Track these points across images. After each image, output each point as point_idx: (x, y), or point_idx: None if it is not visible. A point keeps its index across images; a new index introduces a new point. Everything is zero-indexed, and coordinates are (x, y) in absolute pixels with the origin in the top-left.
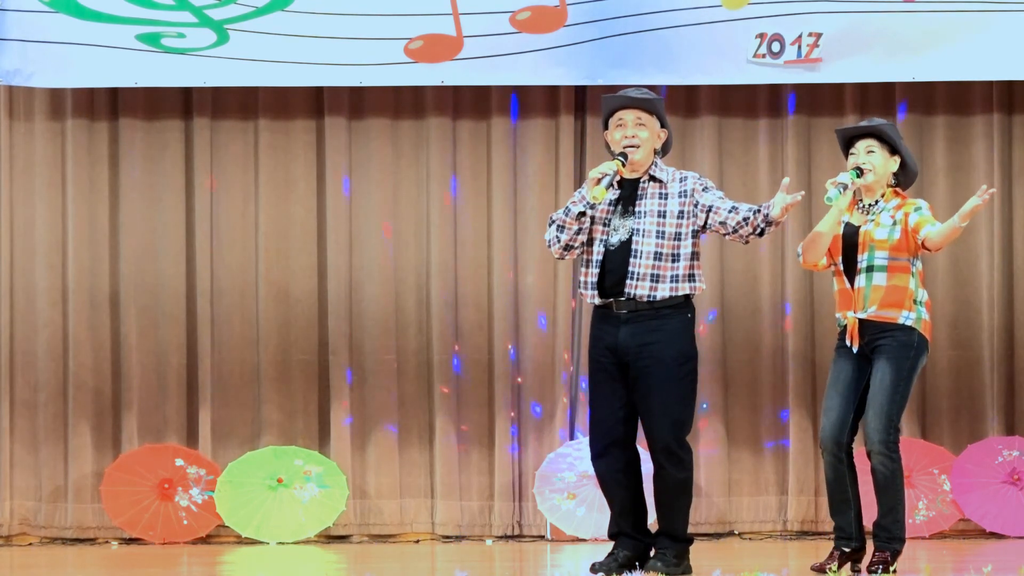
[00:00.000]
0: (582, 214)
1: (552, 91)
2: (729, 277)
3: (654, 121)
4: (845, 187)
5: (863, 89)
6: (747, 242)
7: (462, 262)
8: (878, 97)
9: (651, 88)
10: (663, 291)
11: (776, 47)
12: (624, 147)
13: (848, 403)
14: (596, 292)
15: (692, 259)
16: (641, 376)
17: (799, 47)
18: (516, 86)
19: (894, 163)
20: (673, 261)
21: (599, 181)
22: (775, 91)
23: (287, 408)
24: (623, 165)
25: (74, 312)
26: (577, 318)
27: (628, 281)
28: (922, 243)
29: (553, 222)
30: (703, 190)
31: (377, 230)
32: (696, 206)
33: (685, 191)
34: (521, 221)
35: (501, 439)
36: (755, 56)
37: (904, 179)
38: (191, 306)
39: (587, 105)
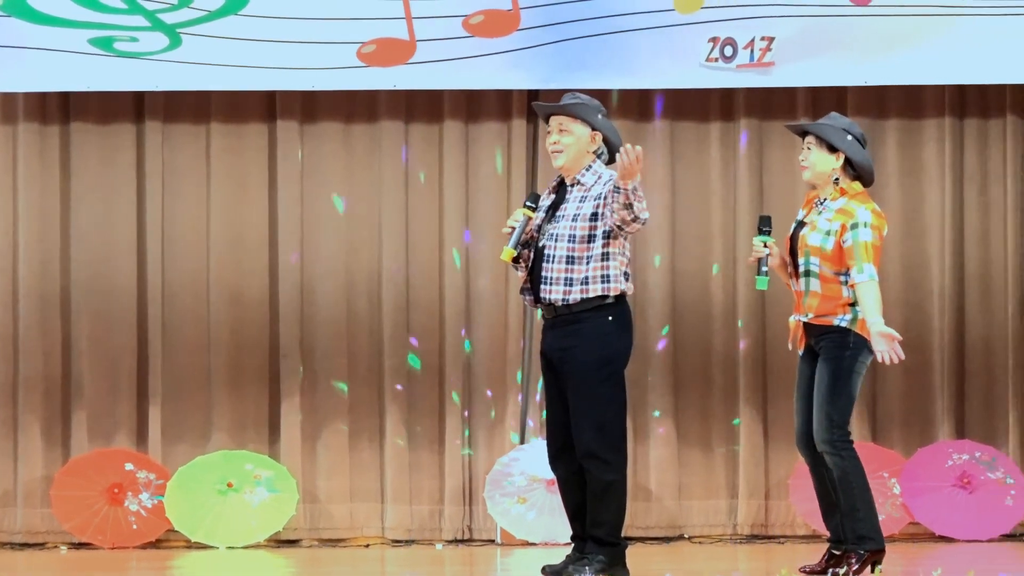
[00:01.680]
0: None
1: (505, 95)
2: (680, 280)
3: (579, 125)
4: (764, 271)
5: (815, 93)
6: (633, 220)
7: (414, 265)
8: (830, 101)
9: (603, 92)
10: (575, 295)
11: (729, 51)
12: (551, 152)
13: (810, 405)
14: (530, 298)
15: (603, 260)
16: (565, 380)
17: (752, 51)
18: (469, 90)
19: (836, 160)
20: (584, 264)
21: (510, 235)
22: (728, 95)
23: (238, 411)
24: (532, 211)
25: (24, 315)
26: (529, 321)
27: (542, 287)
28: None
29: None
30: (614, 189)
31: (329, 233)
32: (605, 201)
33: (601, 193)
34: (474, 225)
35: (452, 442)
36: (708, 60)
37: (859, 176)
38: (142, 309)
39: None
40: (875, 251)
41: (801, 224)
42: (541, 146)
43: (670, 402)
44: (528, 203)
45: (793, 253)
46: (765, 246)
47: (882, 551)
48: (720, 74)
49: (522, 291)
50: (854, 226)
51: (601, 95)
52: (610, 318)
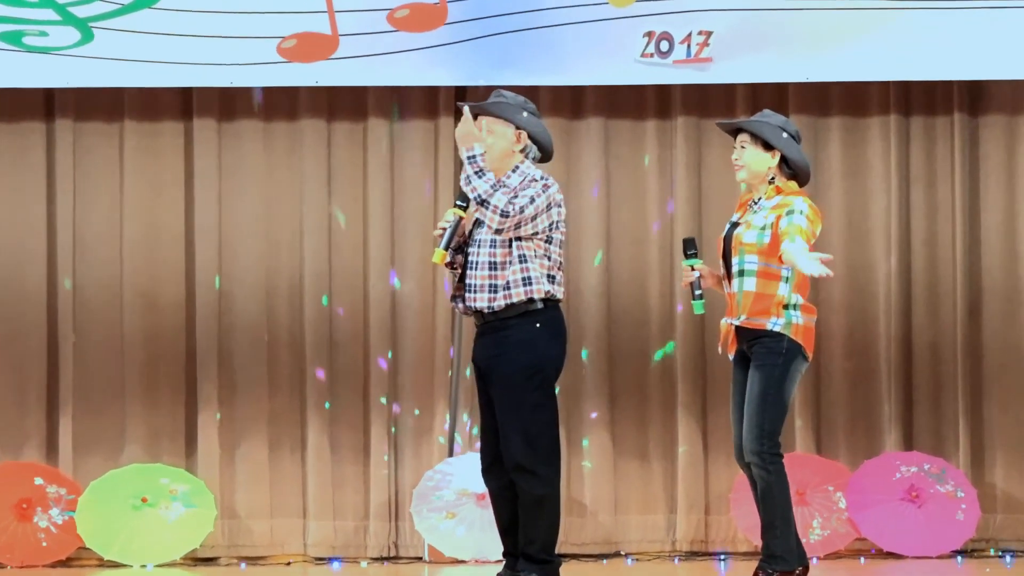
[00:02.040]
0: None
1: (432, 92)
2: (616, 284)
3: (501, 124)
4: (698, 294)
5: (755, 90)
6: (482, 205)
7: (337, 269)
8: (771, 98)
9: (534, 89)
10: (500, 301)
11: (665, 46)
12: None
13: (743, 413)
14: (462, 306)
15: (522, 262)
16: (492, 389)
17: (688, 46)
18: (394, 87)
19: (771, 158)
20: (507, 268)
21: (440, 238)
22: (664, 92)
23: (153, 422)
24: (464, 210)
25: None
26: (458, 327)
27: (467, 294)
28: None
29: None
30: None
31: (248, 236)
32: None
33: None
34: (399, 226)
35: (377, 455)
36: (643, 55)
37: (795, 175)
38: (52, 315)
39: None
40: (809, 232)
41: (735, 225)
42: None
43: (605, 411)
44: (459, 202)
45: (727, 255)
46: (693, 269)
47: (793, 573)
48: (656, 70)
49: (453, 299)
50: (790, 212)
51: (531, 92)
52: (538, 324)
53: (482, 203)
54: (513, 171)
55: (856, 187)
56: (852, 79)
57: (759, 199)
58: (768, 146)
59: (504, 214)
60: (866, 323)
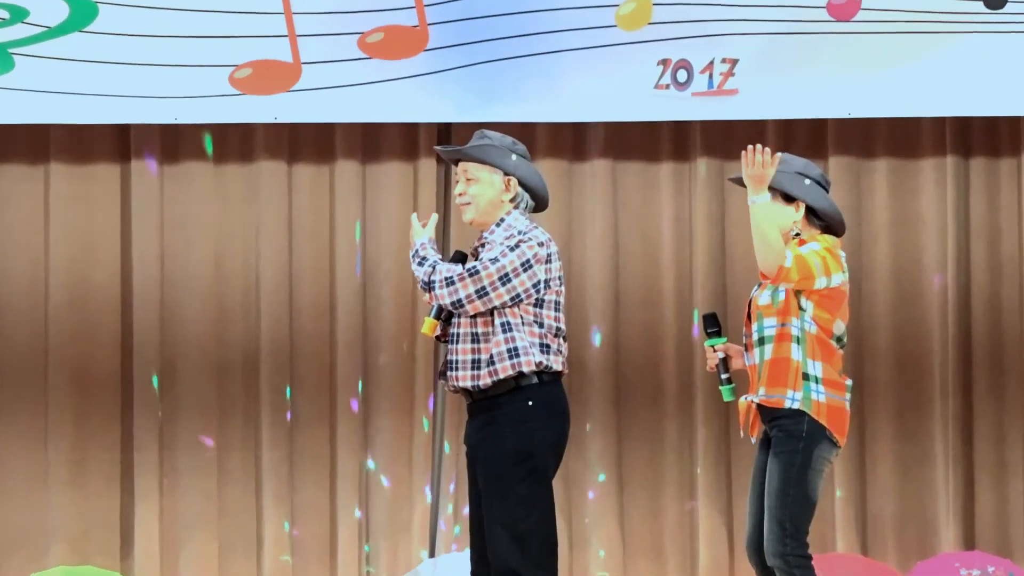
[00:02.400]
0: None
1: (411, 130)
2: (625, 360)
3: (487, 171)
4: (724, 378)
5: (788, 127)
6: (462, 307)
7: (300, 339)
8: (806, 136)
9: (530, 127)
10: (485, 379)
11: (683, 76)
12: (458, 205)
13: (762, 506)
14: (448, 384)
15: (506, 331)
16: (478, 478)
17: (710, 76)
18: (366, 123)
19: (795, 211)
20: (490, 340)
21: (430, 304)
22: (681, 129)
23: (82, 515)
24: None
25: None
26: (440, 402)
27: (449, 372)
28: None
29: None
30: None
31: (195, 299)
32: None
33: None
34: (372, 287)
35: (347, 547)
36: (657, 87)
37: (829, 227)
38: None
39: (452, 143)
40: (811, 264)
41: (760, 285)
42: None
43: (613, 501)
44: (452, 262)
45: (750, 322)
46: (716, 349)
47: None
48: (672, 103)
49: (440, 375)
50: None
51: (526, 130)
52: (530, 402)
53: (427, 289)
54: (499, 224)
55: (906, 241)
56: (901, 114)
57: None
58: (789, 198)
59: (451, 289)
60: (919, 403)
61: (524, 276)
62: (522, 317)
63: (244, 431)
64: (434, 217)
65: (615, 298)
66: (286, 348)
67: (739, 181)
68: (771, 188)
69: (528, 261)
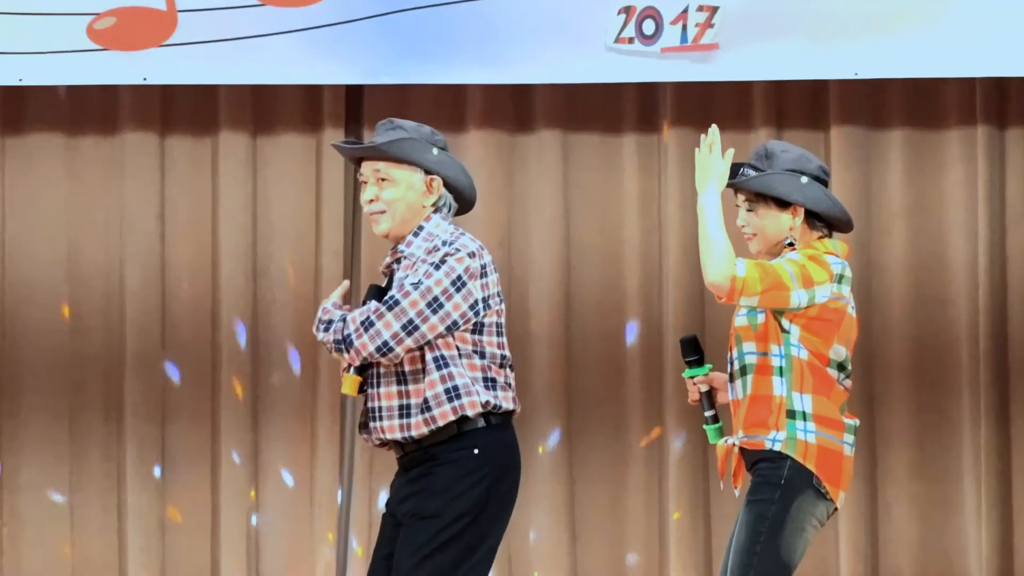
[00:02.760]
0: None
1: (313, 94)
2: (576, 373)
3: (406, 170)
4: (709, 416)
5: (780, 90)
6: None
7: (175, 352)
8: (803, 102)
9: (460, 90)
10: (419, 428)
11: (650, 28)
12: (369, 214)
13: None
14: (367, 435)
15: (441, 368)
16: (396, 539)
17: (684, 27)
18: (257, 86)
19: (789, 217)
20: (422, 380)
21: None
22: (649, 93)
23: None
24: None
25: None
26: (347, 457)
27: (371, 422)
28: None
29: None
30: (413, 271)
31: (44, 311)
32: None
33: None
34: (264, 288)
35: None
36: (618, 41)
37: (834, 227)
38: None
39: (365, 114)
40: (782, 273)
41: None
42: None
43: (563, 558)
44: (369, 300)
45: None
46: (695, 381)
47: None
48: (637, 62)
49: (361, 428)
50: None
51: (458, 93)
52: (476, 450)
53: (346, 348)
54: (416, 233)
55: (927, 229)
56: (921, 75)
57: None
58: (783, 203)
59: (371, 342)
60: (943, 429)
61: (458, 297)
62: (458, 348)
63: (104, 469)
64: (344, 284)
65: (566, 303)
66: (158, 364)
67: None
68: (760, 195)
69: (459, 278)
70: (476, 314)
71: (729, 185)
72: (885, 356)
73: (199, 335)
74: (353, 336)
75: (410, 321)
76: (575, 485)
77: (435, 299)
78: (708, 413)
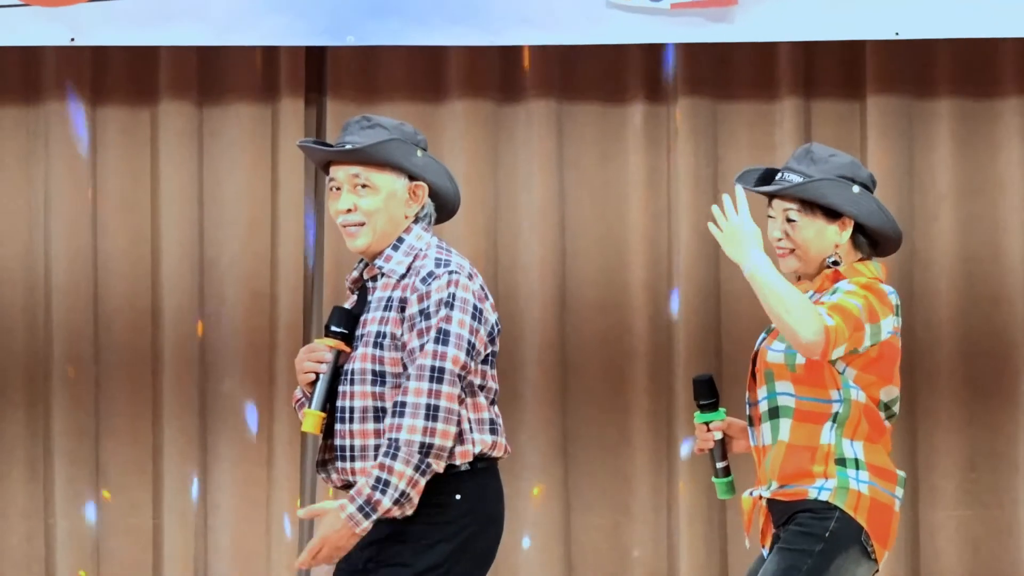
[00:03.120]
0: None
1: (268, 57)
2: (573, 382)
3: (388, 176)
4: (720, 467)
5: (808, 53)
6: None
7: (109, 355)
8: (836, 67)
9: (437, 52)
10: None
11: None
12: (342, 225)
13: None
14: (326, 475)
15: None
16: None
17: None
18: (202, 47)
19: (837, 231)
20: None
21: (311, 390)
22: (655, 57)
23: None
24: (346, 340)
25: None
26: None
27: (338, 463)
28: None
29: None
30: (419, 313)
31: None
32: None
33: (404, 299)
34: (212, 281)
35: None
36: None
37: (879, 246)
38: None
39: (327, 80)
40: (854, 310)
41: (771, 333)
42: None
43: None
44: (332, 326)
45: (754, 383)
46: (709, 428)
47: None
48: (642, 20)
49: (318, 467)
50: (836, 291)
51: (434, 58)
52: (457, 496)
53: (427, 464)
54: (396, 247)
55: (980, 214)
56: (972, 35)
57: (808, 294)
58: (833, 214)
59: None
60: (995, 439)
61: (482, 331)
62: (469, 383)
63: (29, 490)
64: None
65: (560, 299)
66: (90, 370)
67: (755, 188)
68: (808, 203)
69: (476, 308)
70: (492, 342)
71: (767, 193)
72: (930, 362)
73: (136, 337)
74: (435, 445)
75: (455, 377)
76: (571, 512)
77: (470, 345)
78: (720, 465)
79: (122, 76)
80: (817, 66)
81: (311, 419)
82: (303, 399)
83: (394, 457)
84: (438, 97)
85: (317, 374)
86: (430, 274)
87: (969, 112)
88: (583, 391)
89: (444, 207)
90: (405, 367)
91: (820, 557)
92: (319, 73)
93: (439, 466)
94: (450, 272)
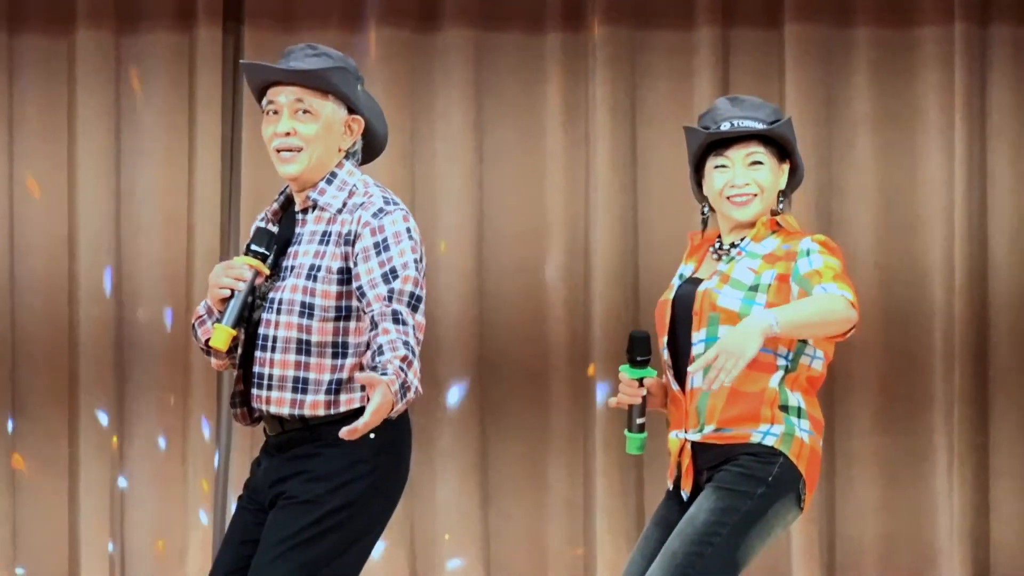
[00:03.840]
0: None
1: None
2: (491, 344)
3: (330, 105)
4: (638, 424)
5: None
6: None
7: (22, 280)
8: None
9: None
10: (316, 410)
11: None
12: (276, 149)
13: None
14: (242, 409)
15: (365, 346)
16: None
17: None
18: None
19: (783, 173)
20: (335, 355)
21: (224, 304)
22: None
23: None
24: (264, 260)
25: None
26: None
27: (254, 391)
28: None
29: (194, 328)
30: (371, 243)
31: None
32: (355, 282)
33: (353, 233)
34: (129, 212)
35: None
36: None
37: (789, 187)
38: None
39: (245, 9)
40: (848, 277)
41: (694, 282)
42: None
43: (475, 536)
44: (253, 246)
45: (677, 331)
46: (642, 384)
47: None
48: None
49: (232, 401)
50: (807, 253)
51: None
52: (371, 435)
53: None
54: (328, 181)
55: (898, 148)
56: None
57: (743, 238)
58: (785, 154)
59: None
60: (914, 382)
61: (423, 263)
62: None
63: None
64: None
65: (477, 229)
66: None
67: (705, 135)
68: (770, 140)
69: (420, 244)
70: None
71: (735, 135)
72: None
73: (52, 264)
74: (414, 361)
75: (418, 298)
76: (487, 442)
77: (419, 266)
78: (639, 421)
79: (39, 5)
80: None
81: (221, 334)
82: (206, 316)
83: (411, 356)
84: (357, 26)
85: (232, 291)
86: (380, 210)
87: (887, 41)
88: (501, 323)
89: (369, 148)
90: (361, 295)
91: (760, 500)
92: (236, 2)
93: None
94: (402, 210)
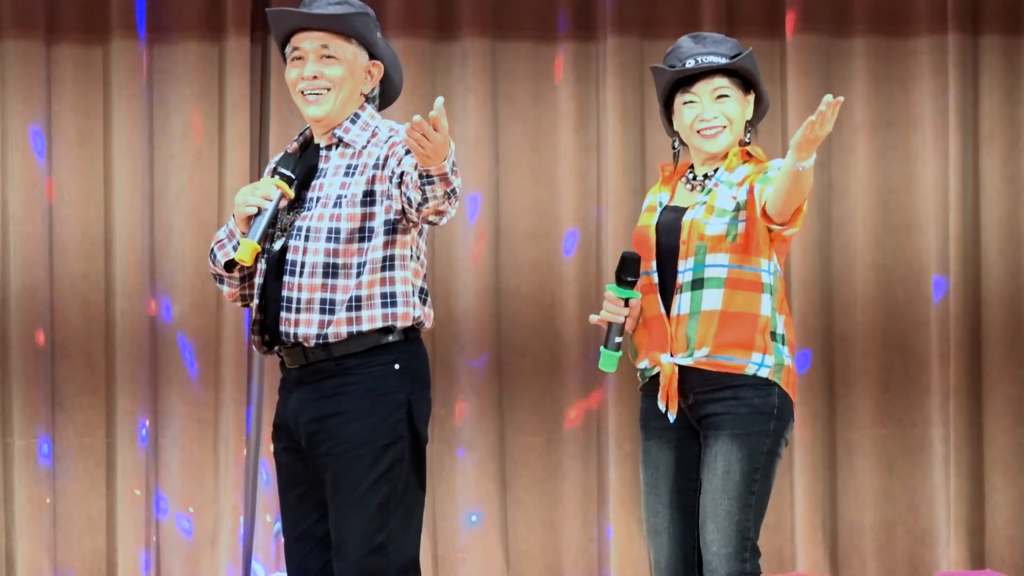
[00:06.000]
0: (232, 264)
1: None
2: (508, 314)
3: (353, 49)
4: (616, 343)
5: None
6: (437, 213)
7: (61, 280)
8: (758, 6)
9: None
10: (339, 328)
11: None
12: (301, 92)
13: (684, 515)
14: (259, 336)
15: (385, 269)
16: (321, 473)
17: None
18: None
19: (749, 104)
20: (354, 277)
21: (249, 223)
22: None
23: None
24: (290, 184)
25: None
26: (256, 378)
27: (283, 314)
28: (764, 214)
29: (213, 253)
30: (406, 152)
31: None
32: (391, 179)
33: (380, 158)
34: (162, 212)
35: None
36: None
37: (755, 117)
38: None
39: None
40: None
41: (675, 211)
42: (276, 81)
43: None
44: (281, 169)
45: (664, 256)
46: (627, 304)
47: None
48: None
49: (252, 329)
50: (765, 173)
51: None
52: (396, 366)
53: (440, 214)
54: (352, 121)
55: (895, 152)
56: None
57: (717, 169)
58: (749, 86)
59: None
60: (911, 373)
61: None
62: (409, 250)
63: None
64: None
65: (495, 228)
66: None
67: (670, 72)
68: (734, 73)
69: None
70: None
71: (700, 71)
72: (846, 286)
73: (88, 263)
74: (455, 189)
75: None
76: (504, 432)
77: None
78: (618, 339)
79: (73, 14)
80: (740, 5)
81: (248, 248)
82: (226, 240)
83: (447, 179)
84: None
85: (259, 209)
86: (389, 138)
87: (883, 50)
88: (514, 311)
89: (386, 95)
90: (400, 177)
91: (773, 436)
92: (263, 12)
93: (443, 205)
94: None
